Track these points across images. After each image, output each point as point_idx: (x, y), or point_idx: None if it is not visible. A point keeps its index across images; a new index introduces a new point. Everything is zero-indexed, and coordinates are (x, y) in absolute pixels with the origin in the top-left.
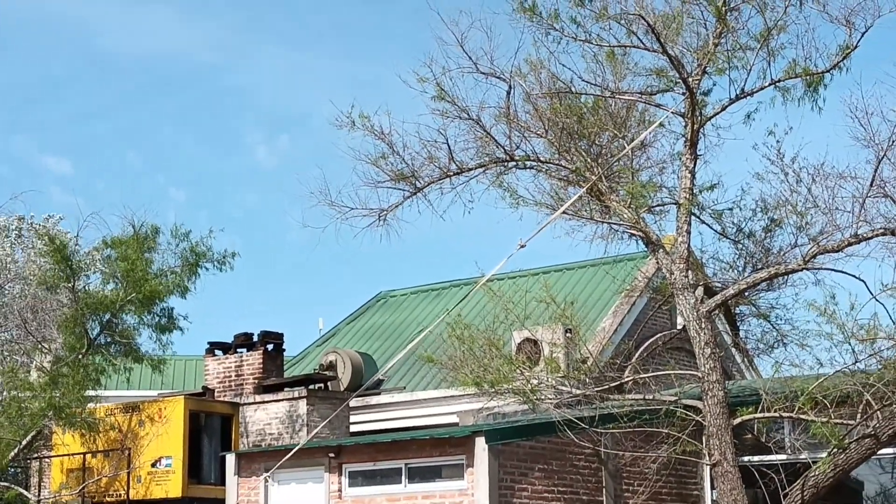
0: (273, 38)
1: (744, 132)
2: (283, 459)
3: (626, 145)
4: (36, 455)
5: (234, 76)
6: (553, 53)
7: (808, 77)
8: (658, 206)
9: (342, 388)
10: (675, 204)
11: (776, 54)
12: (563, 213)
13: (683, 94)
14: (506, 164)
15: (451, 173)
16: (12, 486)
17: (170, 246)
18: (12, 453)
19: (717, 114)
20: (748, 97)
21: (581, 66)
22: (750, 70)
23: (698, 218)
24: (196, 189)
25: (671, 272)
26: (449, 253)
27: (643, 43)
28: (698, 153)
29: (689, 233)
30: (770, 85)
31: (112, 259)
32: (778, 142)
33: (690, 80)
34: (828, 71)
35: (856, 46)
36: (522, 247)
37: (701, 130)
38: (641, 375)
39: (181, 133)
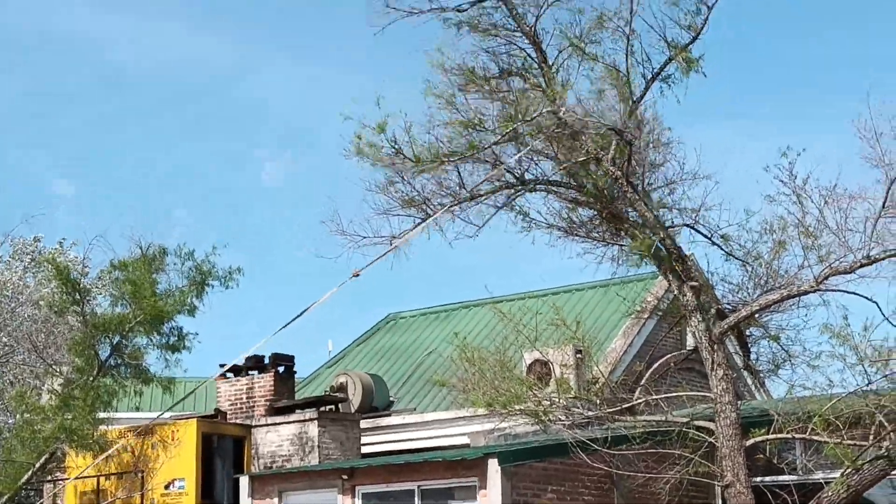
0: (280, 53)
1: (755, 154)
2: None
3: (635, 165)
4: (49, 478)
5: (241, 91)
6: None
7: (683, 59)
8: (668, 227)
9: (353, 410)
10: (686, 225)
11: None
12: (576, 235)
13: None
14: (516, 187)
15: (462, 199)
16: None
17: (175, 266)
18: (25, 476)
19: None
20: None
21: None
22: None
23: (708, 238)
24: (203, 206)
25: (683, 294)
26: (457, 274)
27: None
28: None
29: (680, 256)
30: (653, 80)
31: (120, 281)
32: (790, 163)
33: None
34: (692, 42)
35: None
36: (357, 276)
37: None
38: (653, 397)
39: (188, 148)
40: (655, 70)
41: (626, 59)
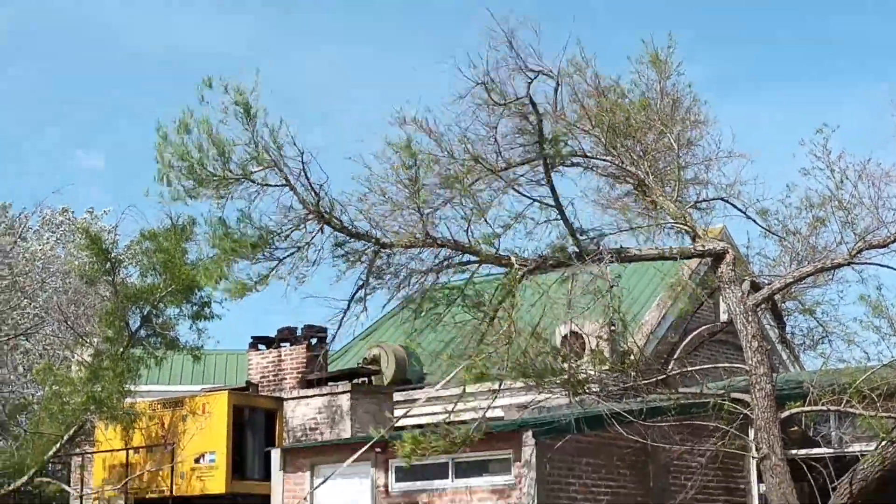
0: (305, 33)
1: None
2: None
3: (672, 142)
4: (77, 451)
5: (266, 71)
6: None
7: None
8: (703, 201)
9: (386, 383)
10: (721, 199)
11: None
12: (612, 207)
13: None
14: (553, 159)
15: (499, 169)
16: (54, 481)
17: (206, 236)
18: (53, 449)
19: None
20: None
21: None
22: None
23: (742, 212)
24: None
25: (717, 266)
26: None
27: None
28: None
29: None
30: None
31: (150, 251)
32: (825, 139)
33: None
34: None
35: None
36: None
37: None
38: (688, 369)
39: None
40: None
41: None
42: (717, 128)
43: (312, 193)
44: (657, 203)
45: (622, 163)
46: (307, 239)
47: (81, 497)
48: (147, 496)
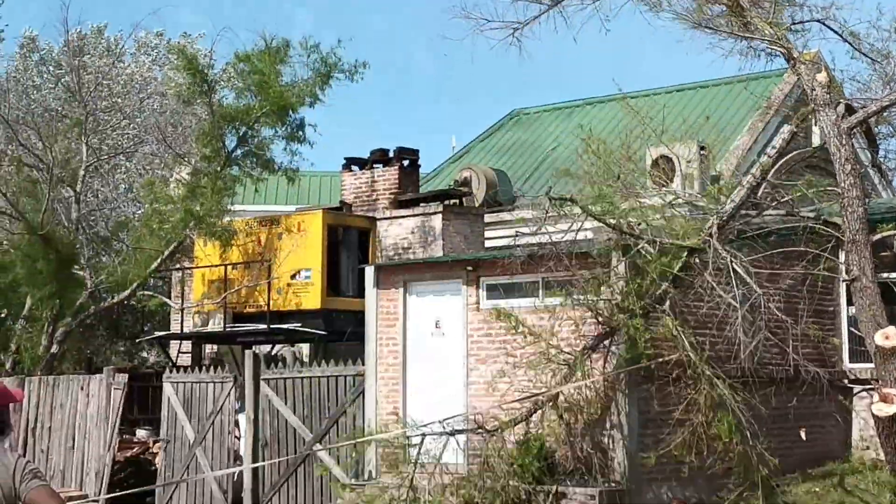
0: None
1: None
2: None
3: None
4: (177, 266)
5: None
6: None
7: None
8: (799, 23)
9: (477, 204)
10: (817, 21)
11: None
12: (704, 27)
13: None
14: None
15: None
16: (155, 294)
17: (301, 58)
18: (155, 264)
19: None
20: None
21: None
22: None
23: (838, 35)
24: (322, 13)
25: (812, 88)
26: (582, 69)
27: None
28: None
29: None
30: None
31: (245, 73)
32: None
33: None
34: None
35: None
36: None
37: None
38: (780, 193)
39: None
40: None
41: None
42: None
43: None
44: (751, 24)
45: None
46: None
47: (182, 310)
48: (245, 310)
